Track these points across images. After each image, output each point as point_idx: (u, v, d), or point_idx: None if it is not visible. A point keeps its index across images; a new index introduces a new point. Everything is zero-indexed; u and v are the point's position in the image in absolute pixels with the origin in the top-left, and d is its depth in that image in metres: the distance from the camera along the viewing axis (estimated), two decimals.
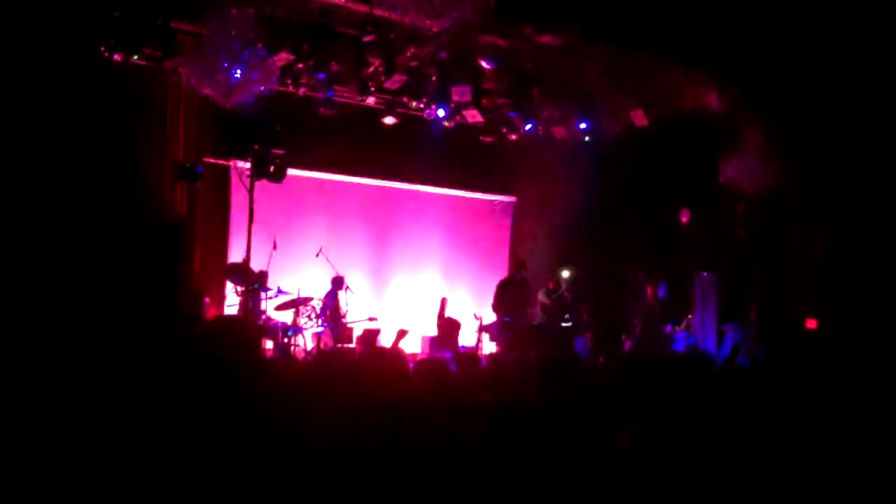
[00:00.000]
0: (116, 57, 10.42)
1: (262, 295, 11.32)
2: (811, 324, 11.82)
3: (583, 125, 13.50)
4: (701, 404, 4.63)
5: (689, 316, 13.21)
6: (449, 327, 13.21)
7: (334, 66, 11.66)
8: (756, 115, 12.37)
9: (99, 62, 10.37)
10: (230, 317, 11.39)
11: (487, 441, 3.85)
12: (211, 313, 11.69)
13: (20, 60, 9.47)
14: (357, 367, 3.39)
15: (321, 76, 11.55)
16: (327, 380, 5.00)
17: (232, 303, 11.72)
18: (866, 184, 11.38)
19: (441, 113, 12.83)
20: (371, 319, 12.55)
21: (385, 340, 12.79)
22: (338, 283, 12.50)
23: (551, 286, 13.56)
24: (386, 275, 14.43)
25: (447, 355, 12.43)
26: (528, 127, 13.69)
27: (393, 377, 4.37)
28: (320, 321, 12.06)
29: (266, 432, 3.52)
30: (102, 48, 10.32)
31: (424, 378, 4.77)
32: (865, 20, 10.17)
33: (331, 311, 12.17)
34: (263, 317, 11.39)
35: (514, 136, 14.08)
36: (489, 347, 13.33)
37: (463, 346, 13.31)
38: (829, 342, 11.26)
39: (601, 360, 12.11)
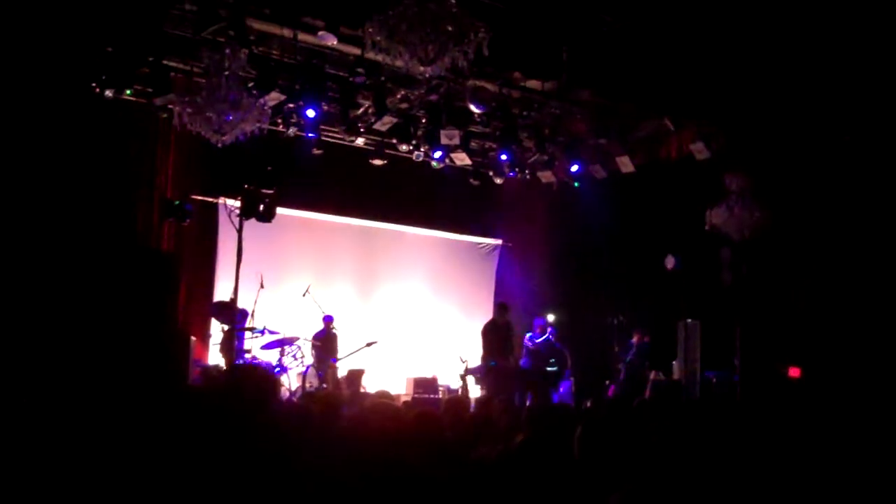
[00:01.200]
0: (108, 93, 10.45)
1: (248, 334, 11.29)
2: (794, 372, 11.87)
3: (574, 168, 13.58)
4: (688, 452, 4.64)
5: (674, 362, 13.23)
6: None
7: (324, 107, 11.74)
8: (740, 163, 12.52)
9: (90, 98, 10.40)
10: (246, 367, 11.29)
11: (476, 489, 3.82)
12: (198, 352, 11.64)
13: (10, 94, 9.47)
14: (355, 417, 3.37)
15: (310, 115, 11.61)
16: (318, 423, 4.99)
17: (217, 341, 11.69)
18: (850, 231, 11.49)
19: (437, 154, 12.91)
20: (369, 344, 12.54)
21: (370, 382, 12.74)
22: (329, 321, 12.50)
23: (537, 330, 13.55)
24: (372, 315, 14.39)
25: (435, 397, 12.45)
26: (513, 171, 13.78)
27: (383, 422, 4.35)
28: (303, 361, 12.02)
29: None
30: (94, 84, 10.36)
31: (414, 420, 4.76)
32: (845, 71, 10.34)
33: (320, 351, 12.15)
34: (248, 356, 11.35)
35: (499, 180, 14.14)
36: (474, 391, 13.28)
37: (449, 389, 13.32)
38: (811, 390, 11.32)
39: (588, 405, 12.09)
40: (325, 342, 12.37)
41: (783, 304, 12.28)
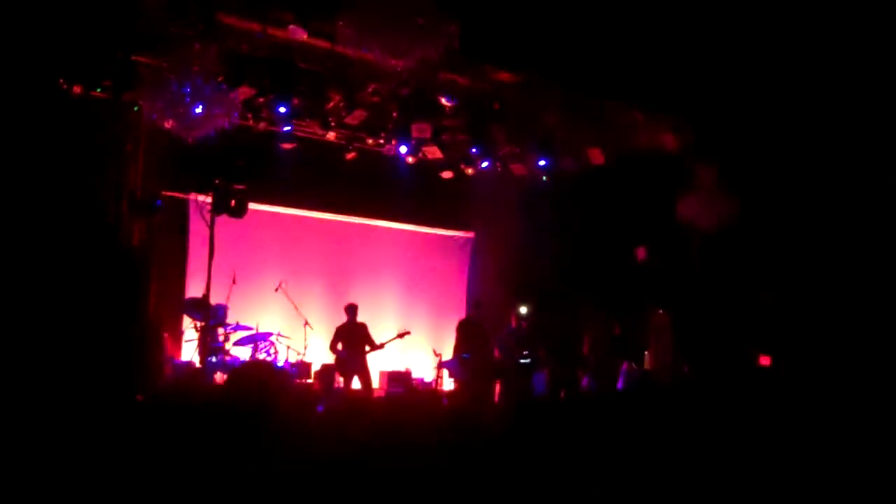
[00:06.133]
0: (75, 89, 10.32)
1: (221, 330, 11.24)
2: (765, 360, 12.00)
3: (541, 163, 13.58)
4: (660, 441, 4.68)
5: (646, 352, 13.30)
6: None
7: (295, 101, 11.67)
8: (710, 154, 12.62)
9: (56, 94, 10.27)
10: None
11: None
12: (169, 349, 11.58)
13: None
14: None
15: (281, 110, 11.55)
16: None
17: (190, 338, 11.63)
18: (817, 222, 11.64)
19: (403, 150, 12.88)
20: (401, 335, 12.67)
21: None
22: (351, 311, 12.45)
23: (513, 323, 13.51)
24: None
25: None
26: (485, 164, 13.77)
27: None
28: (277, 356, 11.98)
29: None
30: (61, 80, 10.22)
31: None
32: (810, 65, 10.45)
33: (344, 343, 12.15)
34: (221, 353, 11.30)
35: (471, 171, 14.11)
36: (448, 384, 13.30)
37: (422, 381, 13.35)
38: (781, 379, 11.46)
39: (562, 396, 12.14)
40: (347, 334, 12.37)
41: (751, 295, 12.41)
